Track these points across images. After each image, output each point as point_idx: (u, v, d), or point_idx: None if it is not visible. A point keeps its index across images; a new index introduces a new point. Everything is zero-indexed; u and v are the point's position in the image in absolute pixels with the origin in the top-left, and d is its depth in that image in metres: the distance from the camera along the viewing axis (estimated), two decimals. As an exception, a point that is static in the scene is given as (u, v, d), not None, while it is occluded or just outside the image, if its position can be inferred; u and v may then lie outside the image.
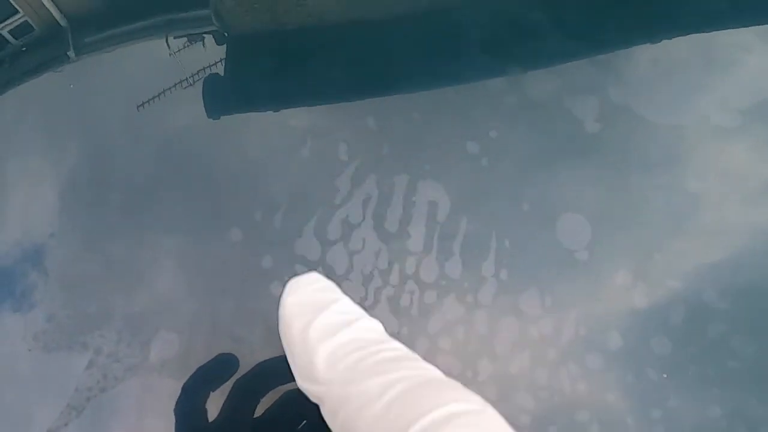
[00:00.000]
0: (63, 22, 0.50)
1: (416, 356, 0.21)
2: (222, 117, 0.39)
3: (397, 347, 0.21)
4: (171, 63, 0.43)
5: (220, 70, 0.41)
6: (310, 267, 0.32)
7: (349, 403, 0.19)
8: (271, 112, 0.38)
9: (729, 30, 0.37)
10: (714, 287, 0.30)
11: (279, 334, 0.23)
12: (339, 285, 0.28)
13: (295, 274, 0.28)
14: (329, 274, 0.32)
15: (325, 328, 0.21)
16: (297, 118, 0.37)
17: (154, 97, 0.41)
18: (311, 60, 0.40)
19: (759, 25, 0.37)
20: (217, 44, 0.43)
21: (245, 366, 0.29)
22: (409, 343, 0.29)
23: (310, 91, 0.38)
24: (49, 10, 0.51)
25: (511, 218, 0.32)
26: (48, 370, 0.31)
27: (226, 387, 0.29)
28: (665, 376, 0.28)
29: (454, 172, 0.34)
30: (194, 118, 0.39)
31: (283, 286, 0.25)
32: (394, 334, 0.30)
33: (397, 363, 0.20)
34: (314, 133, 0.36)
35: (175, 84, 0.41)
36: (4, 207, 0.38)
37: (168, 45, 0.44)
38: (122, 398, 0.30)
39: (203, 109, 0.39)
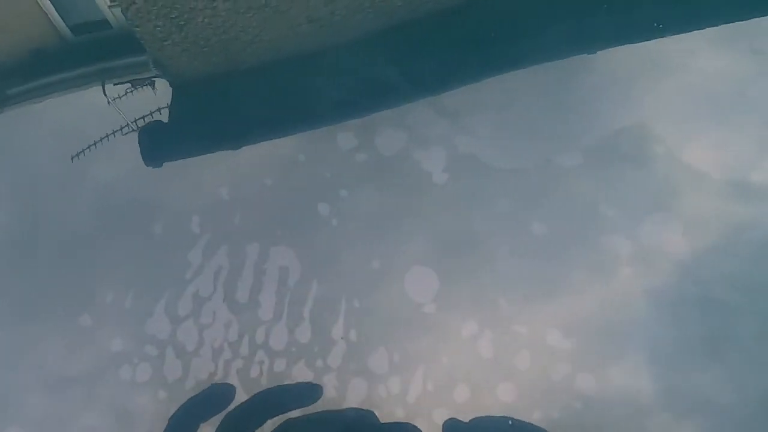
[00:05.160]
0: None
1: None
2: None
3: None
4: (109, 111, 0.42)
5: (164, 116, 0.41)
6: (160, 347, 0.31)
7: None
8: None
9: (580, 74, 0.39)
10: (558, 328, 0.31)
11: None
12: (189, 362, 0.28)
13: (145, 356, 0.28)
14: (179, 353, 0.31)
15: None
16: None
17: (89, 147, 0.41)
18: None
19: (612, 68, 0.38)
20: (155, 90, 0.43)
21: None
22: (261, 415, 0.28)
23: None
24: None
25: (360, 277, 0.33)
26: None
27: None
28: (510, 423, 0.28)
29: (306, 236, 0.34)
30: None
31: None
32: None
33: None
34: (164, 208, 0.36)
35: (114, 132, 0.41)
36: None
37: (105, 93, 0.44)
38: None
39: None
